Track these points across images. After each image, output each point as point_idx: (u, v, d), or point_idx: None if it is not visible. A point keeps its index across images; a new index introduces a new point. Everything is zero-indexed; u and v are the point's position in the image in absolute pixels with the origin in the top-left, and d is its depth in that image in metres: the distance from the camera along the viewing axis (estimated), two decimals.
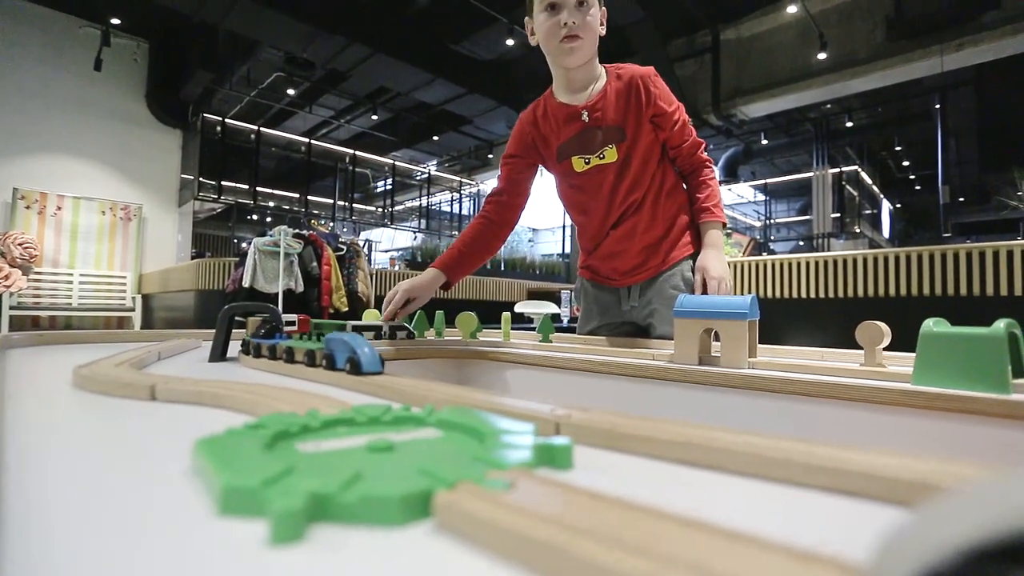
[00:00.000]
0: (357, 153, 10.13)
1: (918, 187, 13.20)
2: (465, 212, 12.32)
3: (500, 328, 1.18)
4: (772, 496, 0.23)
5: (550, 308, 5.13)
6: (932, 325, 0.59)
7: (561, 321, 4.98)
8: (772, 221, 13.03)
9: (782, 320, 3.74)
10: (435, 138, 10.68)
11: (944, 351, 0.57)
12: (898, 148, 10.36)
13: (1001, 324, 0.54)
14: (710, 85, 7.48)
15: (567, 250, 10.13)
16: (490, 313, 6.12)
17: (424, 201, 11.63)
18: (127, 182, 6.84)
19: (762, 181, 11.49)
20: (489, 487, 0.18)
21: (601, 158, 1.17)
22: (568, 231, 9.89)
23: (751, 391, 0.72)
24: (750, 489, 0.24)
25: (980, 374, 0.54)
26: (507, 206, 1.31)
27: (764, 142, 9.69)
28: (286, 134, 9.54)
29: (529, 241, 13.19)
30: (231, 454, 0.22)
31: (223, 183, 7.89)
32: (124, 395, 0.42)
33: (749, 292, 3.89)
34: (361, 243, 6.23)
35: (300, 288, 4.26)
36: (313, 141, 9.65)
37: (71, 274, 6.07)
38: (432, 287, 1.20)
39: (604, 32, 1.16)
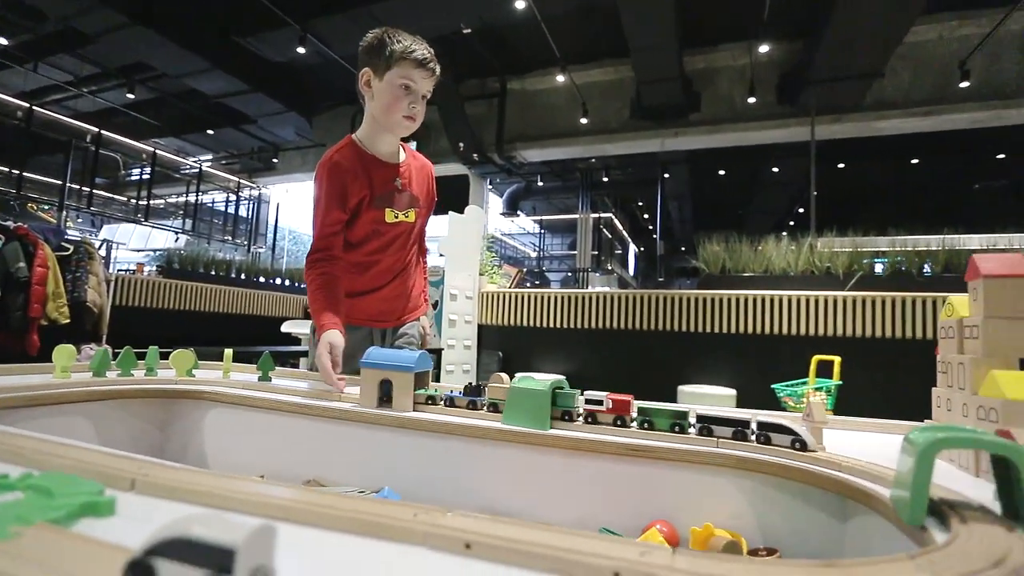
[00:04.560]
0: (103, 132, 8.51)
1: (655, 236, 16.30)
2: (243, 214, 11.20)
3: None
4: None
5: None
6: (518, 380, 0.84)
7: None
8: (547, 253, 14.69)
9: (538, 347, 4.31)
10: (210, 132, 9.57)
11: (521, 399, 0.82)
12: (640, 203, 12.69)
13: (549, 381, 0.82)
14: (496, 127, 8.24)
15: None
16: (258, 330, 5.63)
17: (193, 198, 10.26)
18: None
19: (538, 217, 12.94)
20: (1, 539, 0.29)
21: (406, 216, 1.40)
22: None
23: (414, 431, 0.90)
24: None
25: (534, 416, 0.80)
26: (337, 260, 1.33)
27: (540, 183, 10.98)
28: None
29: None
30: None
31: None
32: None
33: (513, 321, 4.38)
34: (97, 243, 5.24)
35: None
36: (37, 108, 7.82)
37: None
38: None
39: None
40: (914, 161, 9.96)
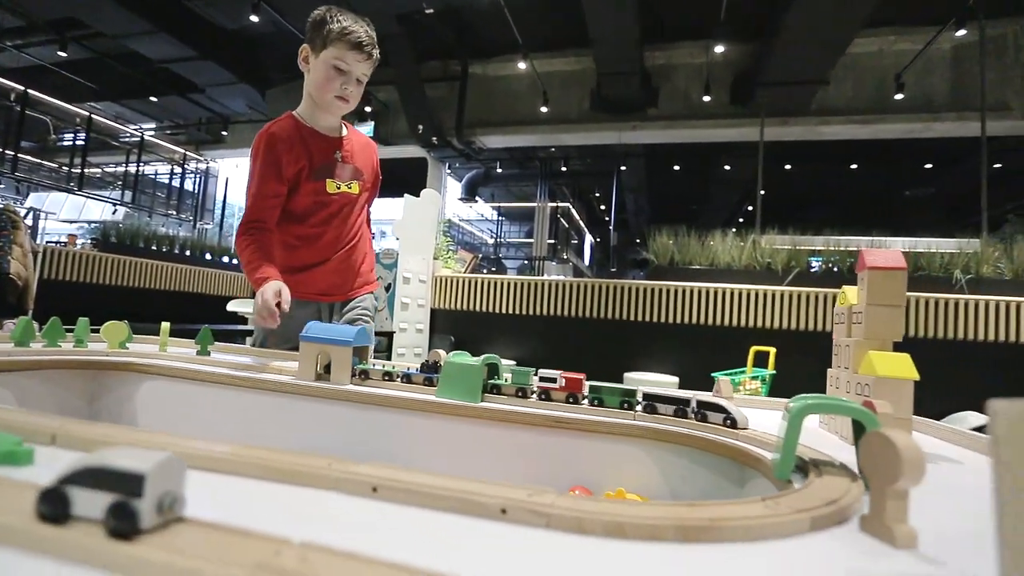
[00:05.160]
0: (30, 91, 7.90)
1: (612, 227, 16.60)
2: (188, 187, 10.69)
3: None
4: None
5: None
6: (451, 356, 0.88)
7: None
8: (504, 240, 14.73)
9: (491, 332, 4.35)
10: (153, 99, 9.06)
11: (455, 374, 0.86)
12: (597, 194, 12.87)
13: (480, 358, 0.85)
14: (456, 111, 8.16)
15: None
16: (202, 309, 5.44)
17: (133, 168, 9.70)
18: None
19: (496, 204, 12.95)
20: None
21: (349, 187, 1.40)
22: None
23: (350, 403, 0.92)
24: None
25: (467, 389, 0.84)
26: (271, 233, 1.33)
27: (499, 170, 10.97)
28: None
29: None
30: None
31: None
32: None
33: (467, 305, 4.40)
34: (22, 211, 4.90)
35: None
36: None
37: None
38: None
39: None
40: (853, 166, 10.52)
